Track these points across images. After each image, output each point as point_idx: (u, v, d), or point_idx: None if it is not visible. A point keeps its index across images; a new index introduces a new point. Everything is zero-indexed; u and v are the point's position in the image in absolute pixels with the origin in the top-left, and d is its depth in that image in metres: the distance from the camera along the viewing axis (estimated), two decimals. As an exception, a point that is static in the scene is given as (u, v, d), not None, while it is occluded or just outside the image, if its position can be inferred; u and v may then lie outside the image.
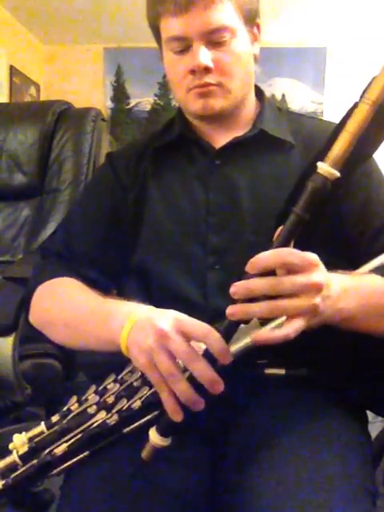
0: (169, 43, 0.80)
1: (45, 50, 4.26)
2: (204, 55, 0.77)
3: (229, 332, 0.61)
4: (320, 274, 0.60)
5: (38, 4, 3.49)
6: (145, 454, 0.65)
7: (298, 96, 4.15)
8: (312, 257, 0.59)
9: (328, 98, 4.13)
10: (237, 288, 0.59)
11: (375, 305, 0.70)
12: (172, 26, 0.78)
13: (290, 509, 0.61)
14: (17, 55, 3.79)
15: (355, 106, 0.68)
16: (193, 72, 0.78)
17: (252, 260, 0.58)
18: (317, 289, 0.59)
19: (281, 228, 0.60)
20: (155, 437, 0.63)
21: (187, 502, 0.68)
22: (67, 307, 0.80)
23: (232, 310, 0.59)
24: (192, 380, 0.60)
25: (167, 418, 0.62)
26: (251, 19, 0.82)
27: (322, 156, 0.61)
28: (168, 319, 0.63)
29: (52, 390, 1.22)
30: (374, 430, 0.83)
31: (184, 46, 0.78)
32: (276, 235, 0.60)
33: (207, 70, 0.78)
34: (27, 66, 3.94)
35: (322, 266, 0.60)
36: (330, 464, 0.67)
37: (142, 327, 0.64)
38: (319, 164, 0.57)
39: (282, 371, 0.66)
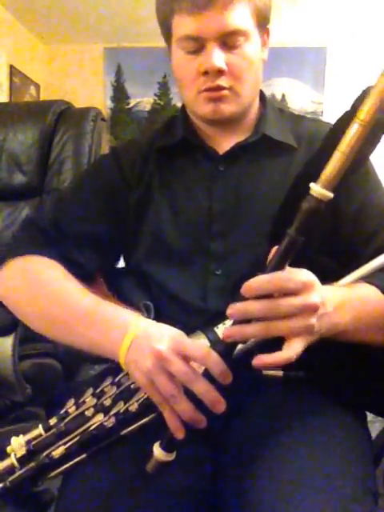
0: (181, 42, 0.78)
1: (45, 50, 4.25)
2: (218, 57, 0.76)
3: (227, 352, 0.61)
4: (316, 294, 0.59)
5: (37, 4, 3.49)
6: (150, 467, 0.66)
7: (298, 96, 4.15)
8: (307, 278, 0.59)
9: (328, 98, 4.13)
10: (233, 310, 0.59)
11: (368, 317, 0.70)
12: (187, 24, 0.76)
13: (291, 509, 0.61)
14: (17, 55, 3.79)
15: (346, 116, 0.67)
16: (205, 73, 0.77)
17: (247, 284, 0.58)
18: (313, 310, 0.59)
19: (275, 249, 0.59)
20: (159, 452, 0.64)
21: (187, 502, 0.68)
22: (49, 298, 0.76)
23: (229, 333, 0.59)
24: (193, 397, 0.61)
25: (170, 434, 0.63)
26: (263, 24, 0.81)
27: (312, 166, 0.61)
28: (166, 340, 0.62)
29: (52, 389, 1.22)
30: (374, 430, 0.83)
31: (197, 46, 0.77)
32: (270, 257, 0.60)
33: (220, 72, 0.76)
34: (27, 66, 3.94)
35: (317, 286, 0.60)
36: (331, 463, 0.66)
37: (140, 347, 0.63)
38: (312, 185, 0.56)
39: (280, 373, 0.66)
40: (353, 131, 0.54)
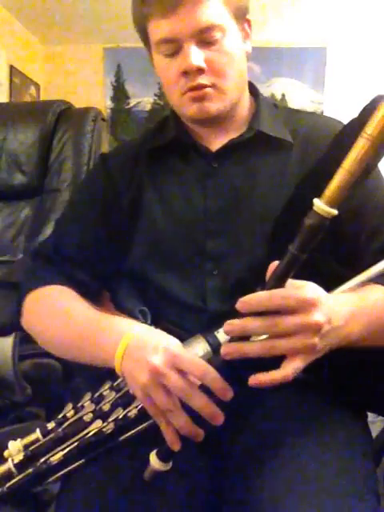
0: (158, 46, 0.77)
1: (45, 50, 4.25)
2: (195, 55, 0.74)
3: (225, 366, 0.60)
4: (319, 312, 0.58)
5: (38, 4, 3.48)
6: (146, 475, 0.65)
7: (298, 96, 4.15)
8: (310, 295, 0.58)
9: (328, 98, 4.13)
10: (232, 327, 0.58)
11: (380, 322, 0.69)
12: (160, 27, 0.75)
13: (294, 507, 0.61)
14: (17, 55, 3.78)
15: (353, 124, 0.66)
16: (185, 74, 0.76)
17: (244, 300, 0.57)
18: (315, 329, 0.58)
19: (275, 264, 0.58)
20: (156, 462, 0.64)
21: (187, 506, 0.68)
22: (59, 322, 0.79)
23: (227, 350, 0.58)
24: (191, 408, 0.60)
25: (166, 445, 0.62)
26: (241, 15, 0.80)
27: (316, 173, 0.62)
28: (161, 353, 0.61)
29: (52, 389, 1.22)
30: (374, 430, 0.83)
31: (175, 48, 0.75)
32: (270, 272, 0.58)
33: (200, 70, 0.75)
34: (27, 66, 3.93)
35: (322, 302, 0.58)
36: (334, 462, 0.66)
37: (134, 358, 0.63)
38: (316, 201, 0.54)
39: None
40: (359, 147, 0.52)
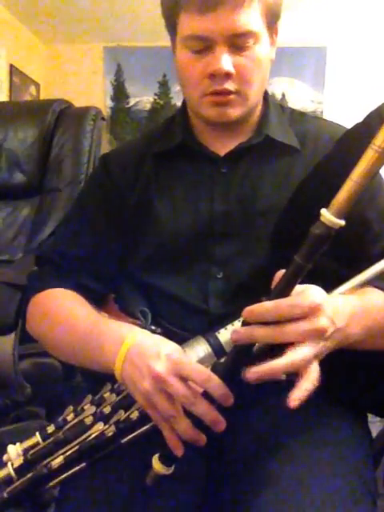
0: (187, 41, 0.74)
1: (45, 49, 4.25)
2: (226, 60, 0.72)
3: (229, 372, 0.60)
4: (323, 317, 0.58)
5: (37, 4, 3.49)
6: (149, 480, 0.65)
7: (298, 95, 4.15)
8: (315, 301, 0.58)
9: (328, 98, 4.13)
10: (239, 336, 0.58)
11: (379, 325, 0.68)
12: (195, 24, 0.72)
13: (289, 509, 0.61)
14: (17, 55, 3.78)
15: (356, 130, 0.66)
16: (212, 76, 0.74)
17: (250, 309, 0.57)
18: (321, 333, 0.58)
19: (281, 273, 0.58)
20: (158, 465, 0.63)
21: (186, 509, 0.68)
22: (61, 326, 0.78)
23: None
24: (193, 416, 0.60)
25: (169, 449, 0.62)
26: (273, 24, 0.79)
27: (317, 176, 0.62)
28: (164, 359, 0.61)
29: (52, 389, 1.22)
30: (374, 430, 0.83)
31: (204, 45, 0.73)
32: (276, 282, 0.59)
33: (228, 75, 0.73)
34: (27, 66, 3.93)
35: (325, 306, 0.59)
36: (331, 464, 0.66)
37: (136, 365, 0.62)
38: (323, 212, 0.54)
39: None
40: (368, 158, 0.51)
